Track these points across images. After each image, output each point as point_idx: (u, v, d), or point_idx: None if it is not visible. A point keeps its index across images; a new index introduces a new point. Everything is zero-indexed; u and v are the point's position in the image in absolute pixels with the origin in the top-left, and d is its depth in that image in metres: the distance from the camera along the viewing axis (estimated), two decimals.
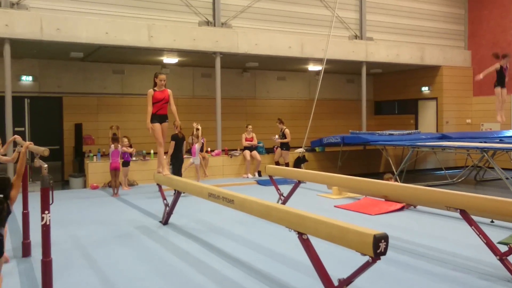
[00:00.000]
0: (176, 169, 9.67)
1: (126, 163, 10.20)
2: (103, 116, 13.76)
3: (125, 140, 10.24)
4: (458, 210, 4.59)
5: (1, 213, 3.59)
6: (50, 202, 3.60)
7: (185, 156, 10.45)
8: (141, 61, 13.70)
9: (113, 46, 11.12)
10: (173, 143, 9.70)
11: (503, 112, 10.29)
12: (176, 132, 9.67)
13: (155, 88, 7.10)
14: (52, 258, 3.67)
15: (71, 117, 13.30)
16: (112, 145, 9.70)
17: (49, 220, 3.59)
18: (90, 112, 13.60)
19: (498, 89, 10.07)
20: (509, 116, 15.30)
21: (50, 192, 3.60)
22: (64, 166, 13.23)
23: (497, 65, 9.87)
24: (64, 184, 12.24)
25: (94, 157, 11.36)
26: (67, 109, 13.34)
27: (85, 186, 11.14)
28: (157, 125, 7.09)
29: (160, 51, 12.05)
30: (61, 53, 12.06)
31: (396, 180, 11.33)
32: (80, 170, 12.24)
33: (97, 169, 10.95)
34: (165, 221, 6.85)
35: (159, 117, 7.12)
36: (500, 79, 10.00)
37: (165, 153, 7.91)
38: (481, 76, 10.08)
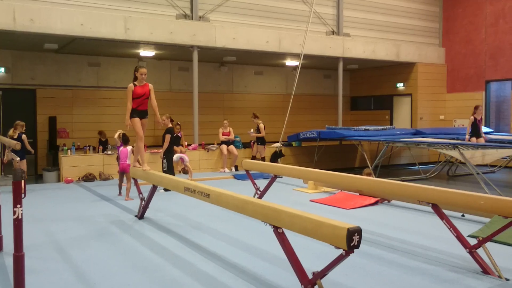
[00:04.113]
0: (170, 164, 9.46)
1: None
2: (77, 109, 13.57)
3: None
4: (430, 204, 4.70)
5: None
6: (23, 196, 3.55)
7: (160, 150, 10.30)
8: (117, 54, 13.53)
9: (88, 38, 10.94)
10: (168, 136, 9.30)
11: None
12: (170, 125, 9.49)
13: (136, 83, 6.78)
14: (24, 252, 3.62)
15: (45, 109, 13.07)
16: (122, 146, 8.83)
17: (21, 214, 3.53)
18: (64, 105, 13.38)
19: (473, 139, 10.78)
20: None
21: (23, 186, 3.55)
22: (37, 159, 13.00)
23: (471, 118, 10.52)
24: (38, 178, 12.03)
25: (69, 150, 11.19)
26: (40, 102, 13.10)
27: (59, 180, 10.97)
28: (136, 119, 6.81)
29: (137, 43, 11.92)
30: (34, 45, 11.82)
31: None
32: (54, 164, 12.05)
33: (71, 162, 10.80)
34: (140, 216, 6.81)
35: (139, 112, 6.84)
36: (475, 130, 10.69)
37: (147, 146, 7.69)
38: (467, 137, 10.84)
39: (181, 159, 10.44)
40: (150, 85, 6.94)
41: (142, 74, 6.75)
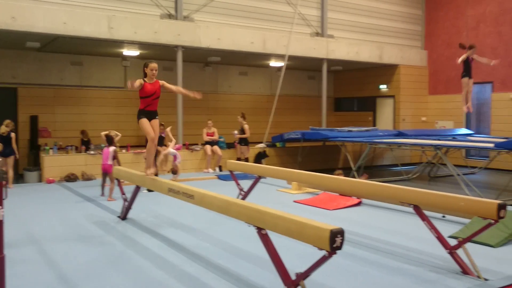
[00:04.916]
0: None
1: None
2: (60, 108, 13.41)
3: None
4: (412, 205, 4.76)
5: None
6: (4, 197, 3.50)
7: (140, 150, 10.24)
8: (101, 53, 13.41)
9: (71, 37, 10.82)
10: None
11: (470, 103, 10.69)
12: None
13: (146, 79, 6.11)
14: (5, 254, 3.58)
15: (27, 108, 12.88)
16: (105, 146, 8.80)
17: (3, 215, 3.49)
18: (46, 104, 13.21)
19: (465, 80, 10.46)
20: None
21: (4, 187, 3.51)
22: (18, 159, 12.79)
23: (464, 56, 10.27)
24: (19, 178, 11.85)
25: (50, 150, 11.07)
26: (22, 101, 12.91)
27: (40, 180, 10.84)
28: (144, 119, 6.16)
29: (121, 43, 11.83)
30: (16, 43, 11.65)
31: (354, 177, 11.61)
32: (35, 164, 11.89)
33: (53, 162, 10.68)
34: (123, 216, 6.77)
35: (148, 113, 6.18)
36: (467, 69, 10.41)
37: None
38: (459, 61, 10.45)
39: (174, 156, 10.43)
40: (161, 82, 6.26)
41: (153, 70, 6.10)
